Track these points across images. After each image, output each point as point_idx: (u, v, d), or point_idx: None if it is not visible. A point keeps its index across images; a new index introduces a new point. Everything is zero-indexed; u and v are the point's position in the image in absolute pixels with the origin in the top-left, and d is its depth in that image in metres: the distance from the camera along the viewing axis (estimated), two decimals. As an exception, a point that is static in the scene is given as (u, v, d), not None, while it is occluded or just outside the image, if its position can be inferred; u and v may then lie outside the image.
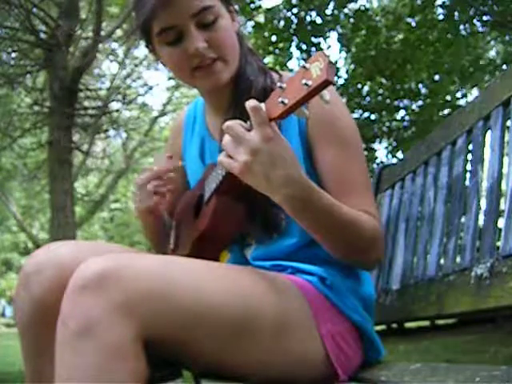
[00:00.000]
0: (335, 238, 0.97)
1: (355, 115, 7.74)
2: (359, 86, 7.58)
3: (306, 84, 0.77)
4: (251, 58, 1.13)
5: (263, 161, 0.85)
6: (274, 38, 6.85)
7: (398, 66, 7.21)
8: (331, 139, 1.05)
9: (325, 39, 7.09)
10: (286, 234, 1.08)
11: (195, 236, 1.05)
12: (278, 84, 0.84)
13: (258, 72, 1.11)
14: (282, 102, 0.82)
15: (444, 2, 6.66)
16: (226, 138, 0.88)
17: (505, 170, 1.20)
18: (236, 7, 1.14)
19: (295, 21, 6.67)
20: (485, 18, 6.84)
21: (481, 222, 1.26)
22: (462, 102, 8.21)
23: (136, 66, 9.37)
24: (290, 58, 6.96)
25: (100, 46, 6.63)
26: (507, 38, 7.56)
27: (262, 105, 0.86)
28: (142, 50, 9.12)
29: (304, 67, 0.79)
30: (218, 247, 1.09)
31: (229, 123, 0.87)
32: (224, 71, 1.06)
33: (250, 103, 0.85)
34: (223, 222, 1.03)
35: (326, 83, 0.75)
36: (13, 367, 5.48)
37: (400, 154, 8.08)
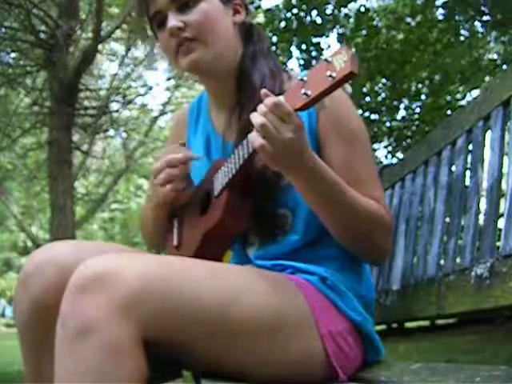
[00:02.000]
0: (342, 215, 0.99)
1: (355, 115, 7.68)
2: (359, 85, 7.57)
3: (330, 76, 0.79)
4: (261, 59, 1.13)
5: (289, 150, 0.88)
6: (274, 39, 6.85)
7: (398, 66, 7.20)
8: (341, 135, 1.06)
9: (326, 37, 7.10)
10: (289, 234, 1.08)
11: (204, 230, 1.05)
12: (299, 77, 0.85)
13: (267, 74, 1.10)
14: (305, 94, 0.84)
15: (447, 2, 6.64)
16: (261, 121, 0.87)
17: (505, 170, 1.20)
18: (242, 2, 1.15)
19: (295, 21, 6.67)
20: (485, 18, 6.83)
21: (481, 221, 1.26)
22: (462, 102, 8.19)
23: (136, 66, 9.35)
24: (290, 58, 6.96)
25: (100, 46, 6.62)
26: (507, 38, 7.54)
27: (281, 97, 0.88)
28: (142, 50, 9.10)
29: (326, 60, 0.81)
30: (224, 244, 1.09)
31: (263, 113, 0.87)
32: (201, 51, 1.08)
33: (271, 99, 0.86)
34: (234, 217, 1.03)
35: (351, 75, 0.78)
36: (12, 367, 5.47)
37: (400, 154, 8.07)
